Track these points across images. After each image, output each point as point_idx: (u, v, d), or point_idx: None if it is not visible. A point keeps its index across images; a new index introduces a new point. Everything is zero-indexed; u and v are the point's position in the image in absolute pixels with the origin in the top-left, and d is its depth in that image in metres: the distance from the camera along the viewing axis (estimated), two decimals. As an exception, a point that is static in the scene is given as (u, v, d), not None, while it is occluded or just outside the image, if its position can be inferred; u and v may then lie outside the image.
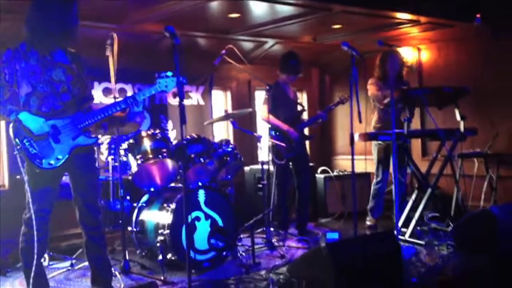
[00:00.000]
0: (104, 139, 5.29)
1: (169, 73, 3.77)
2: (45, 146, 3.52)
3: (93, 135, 3.78)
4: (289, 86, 6.04)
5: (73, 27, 3.63)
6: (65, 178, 4.33)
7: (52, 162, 3.53)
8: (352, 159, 4.67)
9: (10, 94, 3.55)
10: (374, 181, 6.21)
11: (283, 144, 5.60)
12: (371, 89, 5.94)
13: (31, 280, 3.61)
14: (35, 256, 3.54)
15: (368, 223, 6.20)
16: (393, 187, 6.07)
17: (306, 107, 6.32)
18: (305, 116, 6.22)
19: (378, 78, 5.96)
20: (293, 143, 5.78)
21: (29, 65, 3.55)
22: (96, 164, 4.06)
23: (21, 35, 3.59)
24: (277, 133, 5.74)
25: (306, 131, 6.10)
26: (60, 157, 3.55)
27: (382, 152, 6.03)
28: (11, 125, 3.50)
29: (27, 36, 3.57)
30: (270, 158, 5.75)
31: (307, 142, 7.83)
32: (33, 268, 3.58)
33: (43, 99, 3.58)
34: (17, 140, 3.48)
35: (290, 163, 5.93)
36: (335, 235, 5.52)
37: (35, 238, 3.49)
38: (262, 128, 6.72)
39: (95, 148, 4.03)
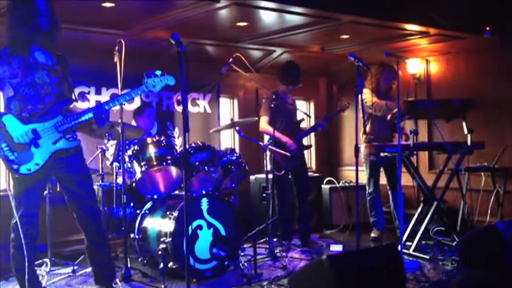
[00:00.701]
0: (110, 145, 5.30)
1: (158, 72, 3.76)
2: (24, 151, 3.50)
3: (72, 138, 3.73)
4: (288, 95, 6.03)
5: (49, 28, 3.60)
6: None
7: (31, 167, 3.51)
8: (357, 170, 4.63)
9: None
10: (367, 193, 6.22)
11: (283, 152, 5.57)
12: (373, 98, 5.89)
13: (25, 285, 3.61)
14: (26, 262, 3.57)
15: (372, 235, 6.17)
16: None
17: (306, 116, 6.25)
18: (304, 124, 6.17)
19: (371, 90, 5.91)
20: (291, 154, 5.75)
21: (11, 68, 3.55)
22: (86, 166, 4.01)
23: (5, 39, 3.63)
24: (276, 143, 5.70)
25: (306, 140, 6.09)
26: (39, 162, 3.53)
27: (374, 165, 6.05)
28: None
29: (9, 41, 3.60)
30: (269, 168, 5.72)
31: (313, 152, 7.84)
32: (26, 276, 3.59)
33: (24, 102, 3.58)
34: None
35: (289, 173, 5.93)
36: (339, 247, 5.48)
37: (23, 243, 3.49)
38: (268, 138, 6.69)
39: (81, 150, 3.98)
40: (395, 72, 5.99)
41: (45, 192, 4.71)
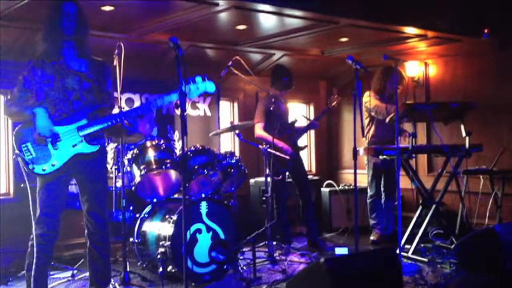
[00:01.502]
0: (110, 149, 5.31)
1: (198, 78, 3.75)
2: (42, 151, 3.57)
3: (96, 142, 3.78)
4: (280, 98, 6.05)
5: (75, 33, 3.73)
6: (71, 187, 4.37)
7: (46, 168, 3.58)
8: (355, 173, 4.64)
9: (32, 102, 3.66)
10: (368, 195, 6.23)
11: (281, 155, 5.59)
12: (375, 101, 5.91)
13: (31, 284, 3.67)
14: (35, 262, 3.63)
15: (372, 237, 6.18)
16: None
17: (306, 119, 6.29)
18: (297, 125, 6.20)
19: (375, 91, 5.95)
20: (288, 159, 5.77)
21: (44, 73, 3.67)
22: (105, 172, 4.08)
23: (38, 46, 3.76)
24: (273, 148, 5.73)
25: (300, 141, 6.16)
26: (55, 163, 3.59)
27: (375, 167, 6.06)
28: (15, 130, 3.60)
29: (43, 48, 3.72)
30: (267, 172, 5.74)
31: (312, 155, 7.85)
32: (33, 275, 3.66)
33: (54, 106, 3.67)
34: (16, 145, 3.58)
35: (288, 175, 5.97)
36: (344, 250, 5.48)
37: (35, 243, 3.61)
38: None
39: (106, 154, 4.08)
40: (402, 77, 6.03)
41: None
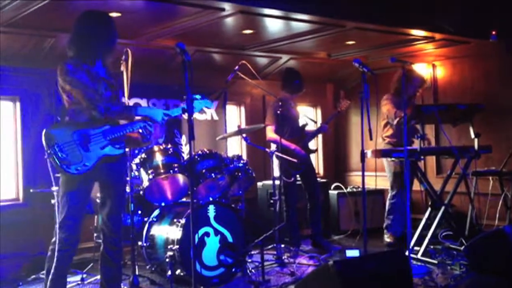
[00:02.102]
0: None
1: (198, 96, 4.00)
2: (74, 152, 3.62)
3: (119, 146, 3.84)
4: (291, 101, 6.06)
5: (114, 45, 3.89)
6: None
7: (79, 168, 3.63)
8: (363, 176, 4.63)
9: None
10: (389, 195, 6.17)
11: (291, 159, 5.60)
12: (387, 105, 5.91)
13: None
14: (54, 266, 3.67)
15: (387, 240, 6.13)
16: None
17: (313, 123, 6.31)
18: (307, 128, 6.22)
19: (394, 94, 5.95)
20: (300, 160, 5.80)
21: (83, 77, 3.70)
22: (126, 177, 4.16)
23: (69, 51, 3.79)
24: (284, 151, 5.74)
25: (310, 144, 6.19)
26: (87, 164, 3.66)
27: (398, 166, 5.97)
28: (43, 132, 3.62)
29: (76, 53, 3.75)
30: (278, 175, 5.77)
31: (320, 158, 7.85)
32: (51, 275, 3.70)
33: (82, 109, 3.72)
34: (47, 145, 3.60)
35: (299, 179, 5.98)
36: (355, 252, 5.45)
37: (57, 248, 3.64)
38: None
39: (127, 160, 4.17)
40: (422, 80, 6.00)
41: (53, 201, 4.76)
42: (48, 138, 3.61)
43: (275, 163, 5.80)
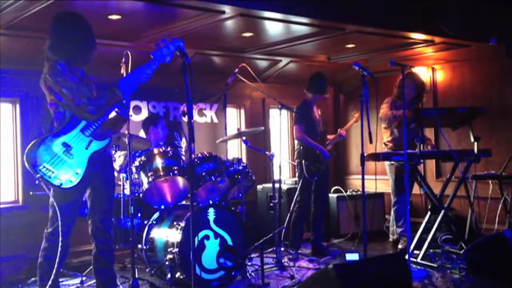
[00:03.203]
0: (118, 156, 5.33)
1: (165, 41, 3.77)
2: (61, 165, 3.56)
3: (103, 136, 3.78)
4: (314, 105, 6.08)
5: (96, 47, 3.87)
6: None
7: (72, 178, 3.58)
8: (363, 179, 4.63)
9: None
10: (393, 202, 6.16)
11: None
12: (383, 108, 5.93)
13: None
14: (54, 271, 3.65)
15: (400, 246, 6.06)
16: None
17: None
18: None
19: (396, 97, 5.96)
20: (323, 162, 5.84)
21: (75, 79, 3.66)
22: (114, 180, 4.13)
23: (53, 54, 3.72)
24: (307, 151, 5.83)
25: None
26: (79, 171, 3.60)
27: (398, 172, 5.96)
28: (24, 157, 3.54)
29: (65, 55, 3.69)
30: (297, 175, 5.91)
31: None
32: (50, 282, 3.66)
33: (75, 111, 3.68)
34: (33, 169, 3.52)
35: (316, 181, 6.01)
36: (355, 256, 5.44)
37: (58, 252, 3.60)
38: (276, 147, 6.73)
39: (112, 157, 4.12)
40: (417, 82, 5.99)
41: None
42: (30, 162, 3.51)
43: (300, 163, 5.89)
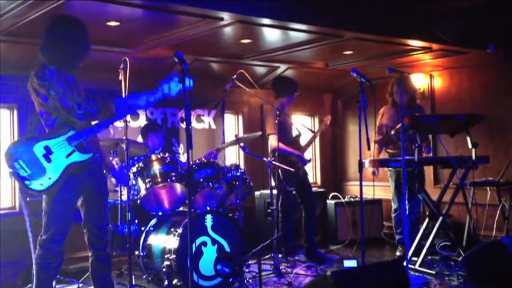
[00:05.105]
0: (115, 162, 5.32)
1: (176, 78, 3.70)
2: (36, 166, 3.52)
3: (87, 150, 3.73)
4: (287, 110, 6.06)
5: (90, 52, 3.81)
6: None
7: (43, 182, 3.54)
8: (361, 186, 4.63)
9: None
10: (393, 209, 6.14)
11: (291, 169, 5.60)
12: (377, 120, 5.95)
13: None
14: (49, 281, 3.66)
15: (398, 253, 6.05)
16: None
17: (311, 132, 6.30)
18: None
19: (391, 105, 5.97)
20: (300, 168, 5.81)
21: (62, 85, 3.63)
22: (106, 182, 4.07)
23: (43, 57, 3.69)
24: (284, 159, 5.74)
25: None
26: (51, 177, 3.55)
27: (398, 178, 5.93)
28: (5, 150, 3.53)
29: (53, 60, 3.65)
30: (275, 184, 5.75)
31: (318, 168, 7.85)
32: None
33: (63, 116, 3.64)
34: (8, 164, 3.51)
35: (295, 189, 5.97)
36: (353, 263, 5.43)
37: (50, 261, 3.60)
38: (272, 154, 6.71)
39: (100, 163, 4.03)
40: (408, 84, 5.94)
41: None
42: (8, 157, 3.51)
43: (276, 172, 5.77)
